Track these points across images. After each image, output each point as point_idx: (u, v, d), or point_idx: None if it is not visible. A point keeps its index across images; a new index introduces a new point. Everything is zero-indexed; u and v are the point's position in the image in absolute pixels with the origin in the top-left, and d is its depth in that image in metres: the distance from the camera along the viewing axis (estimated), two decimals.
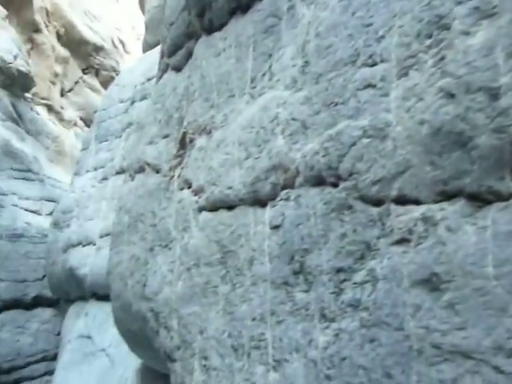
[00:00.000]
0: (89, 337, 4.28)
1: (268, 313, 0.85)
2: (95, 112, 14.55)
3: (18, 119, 13.30)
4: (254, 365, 0.84)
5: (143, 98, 5.66)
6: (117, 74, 15.05)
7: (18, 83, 13.42)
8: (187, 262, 1.12)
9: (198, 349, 1.01)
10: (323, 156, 0.85)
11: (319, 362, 0.76)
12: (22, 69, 13.36)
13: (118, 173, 5.16)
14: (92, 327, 4.35)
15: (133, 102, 5.89)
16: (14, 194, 10.93)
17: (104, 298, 4.63)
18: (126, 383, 1.89)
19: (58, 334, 11.04)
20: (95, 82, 18.48)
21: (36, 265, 10.59)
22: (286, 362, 0.79)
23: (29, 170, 12.23)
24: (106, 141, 6.03)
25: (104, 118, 6.81)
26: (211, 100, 1.32)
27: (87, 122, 16.97)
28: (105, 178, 5.36)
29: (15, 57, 13.24)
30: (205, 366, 0.97)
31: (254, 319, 0.86)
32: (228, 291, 0.96)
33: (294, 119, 0.93)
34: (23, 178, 11.94)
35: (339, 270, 0.81)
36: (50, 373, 10.60)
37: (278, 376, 0.79)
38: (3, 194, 10.43)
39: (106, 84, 17.39)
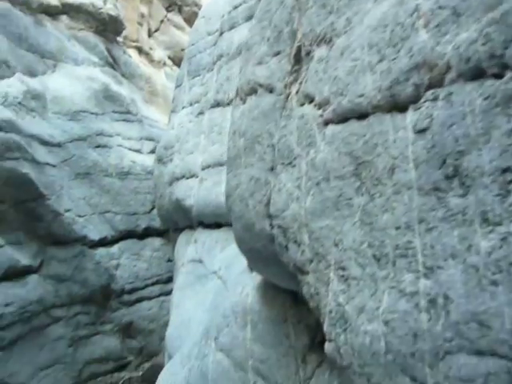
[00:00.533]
0: (200, 261, 4.65)
1: (415, 221, 0.81)
2: (182, 50, 14.73)
3: (113, 63, 13.97)
4: (400, 273, 0.82)
5: (231, 27, 5.57)
6: (199, 9, 14.87)
7: (109, 28, 13.93)
8: (315, 177, 1.10)
9: (333, 260, 1.01)
10: (483, 44, 0.75)
11: (482, 267, 0.73)
12: (112, 13, 13.79)
13: (212, 106, 5.27)
14: (202, 253, 4.69)
15: (221, 33, 5.83)
16: (118, 135, 11.77)
17: (210, 226, 4.93)
18: (246, 299, 2.04)
19: (168, 260, 12.17)
20: (179, 20, 18.56)
21: (144, 199, 11.55)
22: (439, 268, 0.77)
23: (128, 112, 12.99)
24: (199, 75, 6.12)
25: (194, 53, 6.86)
26: (329, 5, 1.23)
27: (175, 61, 17.31)
28: (201, 113, 5.50)
29: (104, 1, 13.65)
30: (342, 276, 0.97)
31: (398, 228, 0.83)
32: (365, 202, 0.93)
33: (440, 7, 0.82)
34: (124, 120, 12.74)
35: (506, 170, 0.73)
36: (165, 294, 11.84)
37: (431, 283, 0.77)
38: (109, 136, 11.29)
39: (189, 20, 17.36)
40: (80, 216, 9.48)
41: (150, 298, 11.18)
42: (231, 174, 1.68)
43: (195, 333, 3.65)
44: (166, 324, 11.74)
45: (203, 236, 4.83)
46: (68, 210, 9.09)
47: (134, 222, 11.04)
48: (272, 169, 1.41)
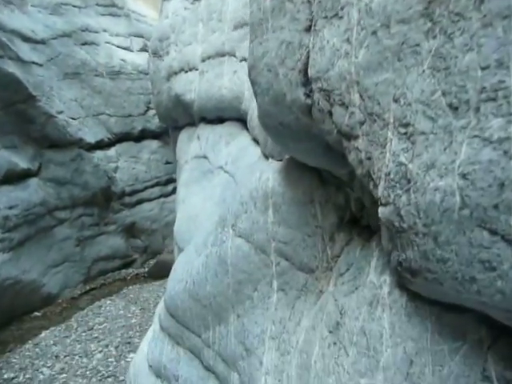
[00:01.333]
0: (204, 157, 4.57)
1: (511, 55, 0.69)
2: None
3: None
4: (486, 119, 0.72)
5: None
6: None
7: None
8: (371, 25, 0.95)
9: (392, 118, 0.91)
10: None
11: None
12: None
13: None
14: (206, 149, 4.60)
15: None
16: (105, 31, 11.02)
17: (212, 121, 4.77)
18: (267, 183, 1.98)
19: (166, 162, 12.14)
20: None
21: (137, 100, 11.18)
22: None
23: (113, 5, 12.04)
24: None
25: None
26: None
27: None
28: None
29: None
30: (405, 133, 0.88)
31: (485, 68, 0.72)
32: (438, 45, 0.80)
33: None
34: (109, 14, 11.84)
35: None
36: (165, 195, 12.00)
37: None
38: (96, 32, 10.57)
39: None
40: (73, 118, 9.20)
41: (150, 200, 11.34)
42: (256, 42, 1.51)
43: (206, 224, 3.68)
44: (167, 224, 12.08)
45: (206, 132, 4.70)
46: (60, 112, 8.79)
47: (129, 125, 10.79)
48: (308, 28, 1.24)
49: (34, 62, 8.39)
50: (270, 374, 1.91)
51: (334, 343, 1.34)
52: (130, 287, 9.00)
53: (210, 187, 4.23)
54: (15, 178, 7.73)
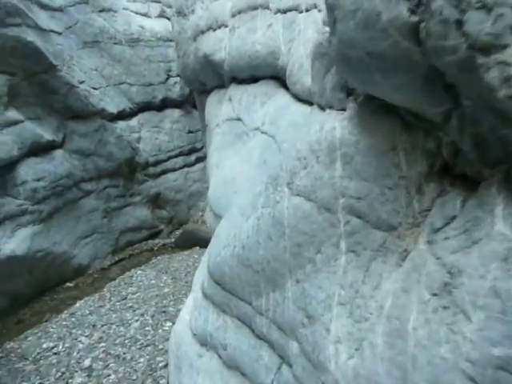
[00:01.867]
0: (238, 119, 4.34)
1: None
2: None
3: None
4: None
5: None
6: None
7: None
8: None
9: None
10: None
11: None
12: None
13: None
14: (239, 110, 4.37)
15: None
16: None
17: (245, 81, 4.51)
18: (333, 133, 1.75)
19: (189, 132, 11.95)
20: None
21: (157, 68, 10.90)
22: None
23: None
24: None
25: None
26: None
27: None
28: None
29: None
30: None
31: None
32: None
33: None
34: None
35: None
36: (188, 165, 11.86)
37: None
38: None
39: None
40: (95, 88, 9.02)
41: (174, 170, 11.22)
42: None
43: (246, 187, 3.50)
44: (191, 194, 12.00)
45: (239, 92, 4.45)
46: (82, 82, 8.61)
47: (150, 94, 10.57)
48: None
49: (52, 31, 8.16)
50: (342, 342, 1.74)
51: (445, 307, 1.14)
52: (159, 257, 8.99)
53: (246, 150, 4.02)
54: (41, 149, 7.65)
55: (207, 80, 5.27)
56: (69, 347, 4.56)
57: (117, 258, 9.29)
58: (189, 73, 5.56)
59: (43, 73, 7.76)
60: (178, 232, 11.34)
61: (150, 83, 10.56)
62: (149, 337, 4.59)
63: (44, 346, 4.74)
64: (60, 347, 4.59)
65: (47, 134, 7.78)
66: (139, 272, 7.50)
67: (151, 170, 10.49)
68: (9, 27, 6.90)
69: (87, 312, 5.71)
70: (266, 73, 4.14)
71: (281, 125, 3.48)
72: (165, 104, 11.04)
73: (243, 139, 4.25)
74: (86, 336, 4.77)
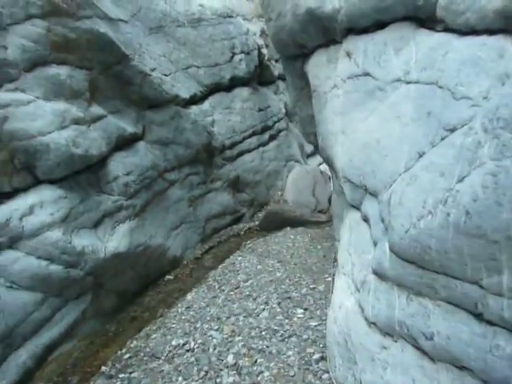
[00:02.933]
0: (365, 74, 3.78)
1: None
2: None
3: None
4: None
5: None
6: None
7: None
8: None
9: None
10: None
11: None
12: None
13: None
14: (366, 64, 3.80)
15: None
16: None
17: (365, 30, 3.92)
18: None
19: (259, 110, 11.48)
20: None
21: (222, 47, 10.45)
22: None
23: None
24: None
25: None
26: None
27: None
28: None
29: None
30: None
31: None
32: None
33: None
34: None
35: None
36: (263, 144, 11.42)
37: None
38: None
39: None
40: (166, 75, 8.72)
41: (249, 151, 10.84)
42: None
43: (406, 148, 2.96)
44: (269, 174, 11.56)
45: (361, 44, 3.87)
46: (153, 70, 8.32)
47: (217, 74, 10.17)
48: None
49: (120, 19, 7.89)
50: None
51: None
52: (252, 241, 8.67)
53: (387, 107, 3.45)
54: (125, 143, 7.46)
55: (308, 39, 4.72)
56: (202, 343, 4.28)
57: (207, 247, 9.09)
58: (284, 35, 5.03)
59: (117, 64, 7.51)
60: (260, 214, 11.02)
61: (216, 63, 10.14)
62: (286, 327, 4.21)
63: (173, 342, 4.50)
64: (192, 344, 4.32)
65: (129, 127, 7.57)
66: (240, 258, 7.19)
67: (228, 153, 10.16)
68: (81, 20, 6.66)
69: (203, 304, 5.43)
70: (399, 14, 3.53)
71: (445, 67, 2.87)
72: (233, 83, 10.61)
73: (376, 96, 3.68)
74: (216, 330, 4.47)
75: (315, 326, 4.16)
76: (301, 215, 10.15)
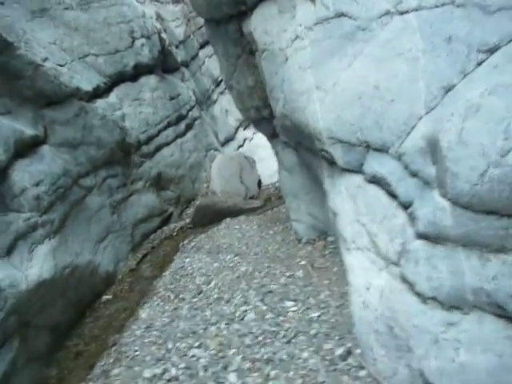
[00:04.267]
0: (339, 15, 3.22)
1: None
2: None
3: None
4: None
5: None
6: None
7: None
8: None
9: None
10: None
11: None
12: None
13: None
14: (337, 3, 3.24)
15: None
16: None
17: None
18: None
19: (171, 98, 10.53)
20: None
21: (119, 31, 9.25)
22: None
23: None
24: None
25: None
26: None
27: None
28: None
29: None
30: None
31: None
32: None
33: None
34: None
35: None
36: (180, 135, 10.53)
37: None
38: None
39: None
40: (61, 65, 7.45)
41: (167, 144, 9.90)
42: None
43: (426, 85, 2.49)
44: (191, 167, 10.73)
45: None
46: (45, 59, 7.03)
47: (120, 62, 9.04)
48: None
49: None
50: None
51: None
52: (188, 241, 7.84)
53: (378, 46, 2.95)
54: (26, 148, 6.16)
55: None
56: (186, 367, 3.45)
57: (140, 255, 8.08)
58: None
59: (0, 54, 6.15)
60: (189, 211, 10.19)
61: (116, 50, 9.01)
62: (285, 325, 3.52)
63: (146, 374, 3.59)
64: (173, 370, 3.44)
65: (27, 129, 6.26)
66: (187, 260, 6.37)
67: (145, 148, 9.13)
68: None
69: (166, 319, 4.55)
70: None
71: None
72: (137, 72, 9.53)
73: (358, 37, 3.15)
74: (198, 347, 3.65)
75: (317, 317, 3.57)
76: (234, 204, 9.51)
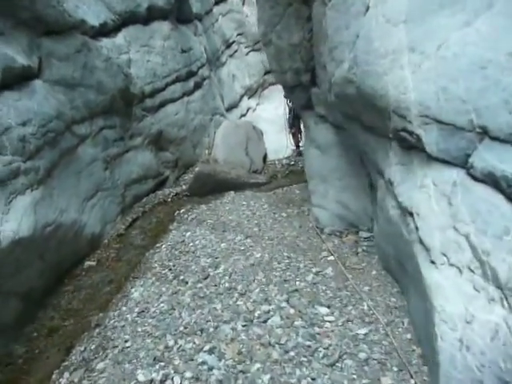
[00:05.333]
0: None
1: None
2: None
3: None
4: None
5: None
6: None
7: None
8: None
9: None
10: None
11: None
12: None
13: None
14: None
15: None
16: None
17: None
18: None
19: (182, 51, 9.51)
20: None
21: None
22: None
23: None
24: None
25: None
26: None
27: None
28: None
29: None
30: None
31: None
32: None
33: None
34: None
35: None
36: (187, 93, 9.57)
37: None
38: None
39: None
40: None
41: (173, 100, 8.95)
42: None
43: None
44: (195, 130, 9.82)
45: None
46: None
47: (132, 0, 7.98)
48: None
49: None
50: None
51: None
52: (184, 210, 7.07)
53: None
54: (16, 80, 5.22)
55: None
56: (194, 378, 2.73)
57: (129, 219, 7.25)
58: None
59: None
60: (186, 177, 9.35)
61: None
62: (324, 340, 2.79)
63: (140, 378, 2.88)
64: (177, 379, 2.75)
65: (19, 57, 5.30)
66: (188, 234, 5.60)
67: (149, 102, 8.19)
68: None
69: (163, 305, 3.80)
70: None
71: None
72: (151, 15, 8.48)
73: None
74: (209, 352, 2.91)
75: (364, 335, 2.88)
76: (237, 177, 8.70)
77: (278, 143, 11.13)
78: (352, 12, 3.16)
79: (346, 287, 3.58)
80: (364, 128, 3.57)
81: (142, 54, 8.02)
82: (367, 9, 3.02)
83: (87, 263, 5.71)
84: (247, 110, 15.52)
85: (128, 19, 7.84)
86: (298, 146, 10.04)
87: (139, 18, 8.14)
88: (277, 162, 9.85)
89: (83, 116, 6.49)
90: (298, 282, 3.74)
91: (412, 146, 2.80)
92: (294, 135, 9.81)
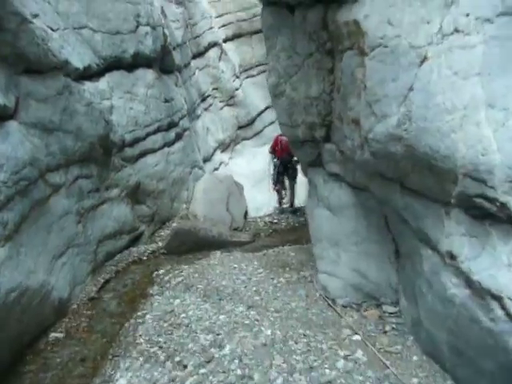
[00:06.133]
0: None
1: None
2: None
3: None
4: None
5: None
6: None
7: None
8: None
9: None
10: None
11: None
12: None
13: None
14: None
15: None
16: None
17: None
18: None
19: (165, 101, 9.12)
20: None
21: (125, 11, 7.87)
22: None
23: None
24: None
25: None
26: None
27: None
28: None
29: None
30: None
31: None
32: None
33: None
34: None
35: None
36: (168, 144, 9.08)
37: None
38: None
39: None
40: (52, 29, 5.95)
41: (154, 151, 8.42)
42: None
43: None
44: (174, 182, 9.22)
45: None
46: (36, 16, 5.54)
47: (118, 46, 7.62)
48: None
49: None
50: None
51: None
52: (162, 271, 6.39)
53: None
54: None
55: None
56: None
57: (101, 280, 6.44)
58: None
59: None
60: (162, 233, 8.64)
61: (117, 31, 7.59)
62: None
63: None
64: None
65: None
66: (176, 301, 4.90)
67: (128, 151, 7.62)
68: None
69: None
70: None
71: None
72: (136, 62, 8.12)
73: None
74: None
75: None
76: (219, 234, 8.12)
77: (255, 199, 10.74)
78: (402, 63, 2.85)
79: (387, 377, 3.02)
80: (406, 191, 3.17)
81: (124, 100, 7.55)
82: (423, 60, 2.72)
83: (53, 335, 4.84)
84: (220, 164, 15.16)
85: (113, 64, 7.42)
86: (280, 204, 9.66)
87: (124, 63, 7.75)
88: (259, 220, 9.37)
89: (59, 163, 5.82)
90: (327, 370, 3.13)
91: (486, 215, 2.40)
92: (278, 192, 9.44)
